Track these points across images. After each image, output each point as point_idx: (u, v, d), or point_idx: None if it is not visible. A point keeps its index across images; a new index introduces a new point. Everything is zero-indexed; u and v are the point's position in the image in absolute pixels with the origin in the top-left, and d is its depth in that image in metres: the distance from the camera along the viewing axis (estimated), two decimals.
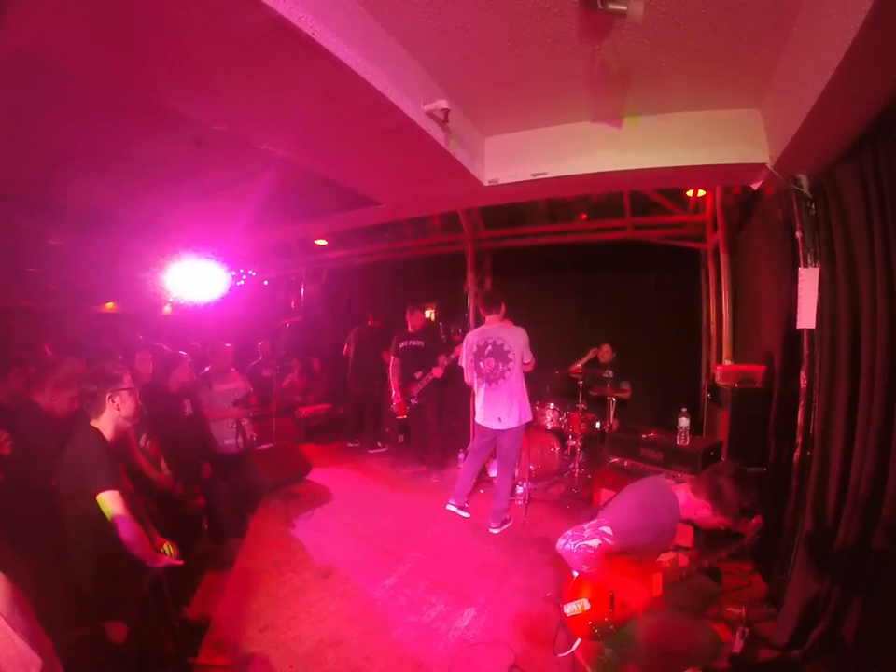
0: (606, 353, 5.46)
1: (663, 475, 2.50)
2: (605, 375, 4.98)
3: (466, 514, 4.50)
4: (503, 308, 4.39)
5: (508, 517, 4.35)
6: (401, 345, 5.79)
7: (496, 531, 4.23)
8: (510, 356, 4.22)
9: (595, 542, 2.06)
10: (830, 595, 2.26)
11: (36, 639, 1.09)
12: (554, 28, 2.41)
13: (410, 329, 5.84)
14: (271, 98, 2.63)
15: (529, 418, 4.32)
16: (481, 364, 4.33)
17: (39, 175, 3.74)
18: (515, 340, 4.24)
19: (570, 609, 2.16)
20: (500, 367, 4.24)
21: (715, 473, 2.23)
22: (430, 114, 2.90)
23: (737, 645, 2.45)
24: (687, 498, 2.27)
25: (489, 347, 4.30)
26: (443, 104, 2.82)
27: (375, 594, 3.29)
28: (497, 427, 4.26)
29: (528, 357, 4.24)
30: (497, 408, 4.24)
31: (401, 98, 2.66)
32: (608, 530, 2.09)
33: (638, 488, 2.36)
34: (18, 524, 2.09)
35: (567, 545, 2.10)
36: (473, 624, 2.95)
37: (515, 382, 4.22)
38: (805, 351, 2.82)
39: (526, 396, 4.30)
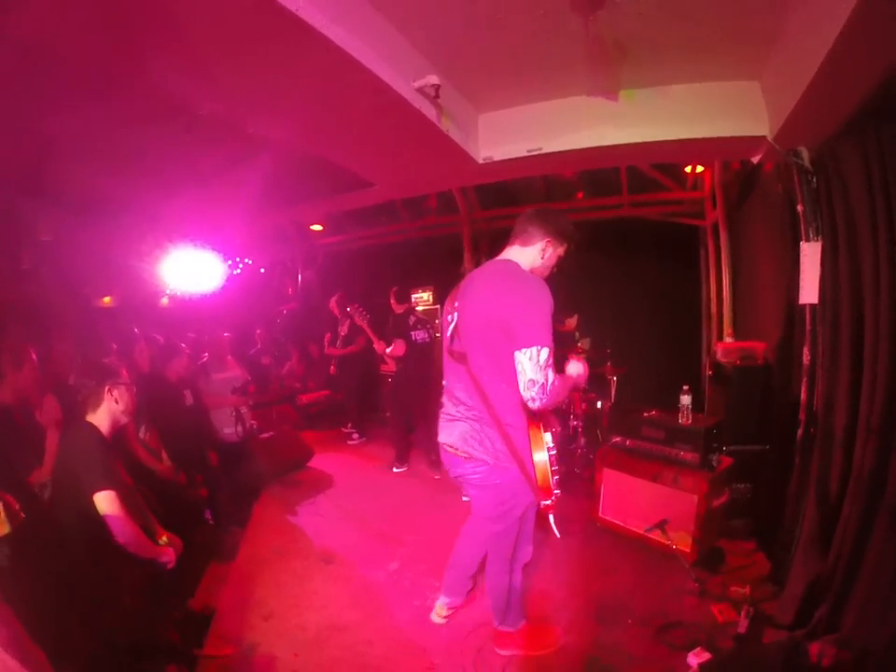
0: (570, 324, 5.48)
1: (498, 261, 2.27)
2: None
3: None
4: None
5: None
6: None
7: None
8: None
9: (550, 375, 1.92)
10: (833, 574, 2.24)
11: (25, 651, 1.07)
12: None
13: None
14: (259, 78, 2.55)
15: None
16: None
17: (30, 164, 3.68)
18: None
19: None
20: None
21: (523, 221, 2.26)
22: (421, 90, 2.81)
23: (742, 625, 2.45)
24: (531, 256, 2.22)
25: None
26: (434, 79, 2.74)
27: (377, 578, 3.29)
28: None
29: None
30: None
31: (390, 75, 2.58)
32: (545, 352, 1.92)
33: (500, 291, 2.09)
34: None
35: (542, 401, 1.92)
36: (476, 607, 2.94)
37: None
38: (808, 326, 2.78)
39: None
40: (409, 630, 2.77)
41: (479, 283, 2.25)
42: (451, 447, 2.24)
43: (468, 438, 2.17)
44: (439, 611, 2.78)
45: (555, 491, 2.13)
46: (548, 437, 2.14)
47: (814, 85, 2.15)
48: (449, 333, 2.27)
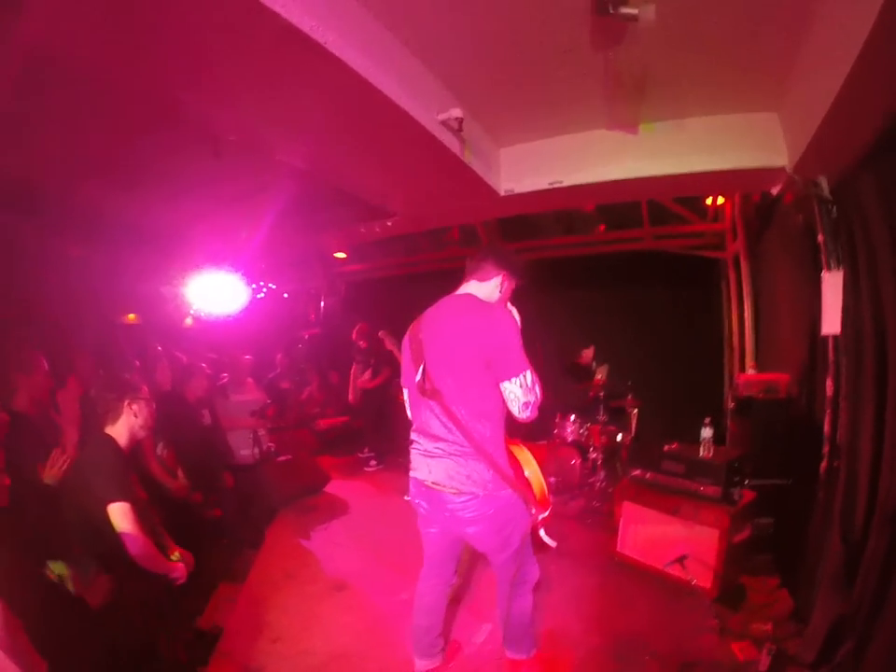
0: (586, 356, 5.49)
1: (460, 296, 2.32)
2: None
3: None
4: None
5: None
6: None
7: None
8: None
9: (538, 390, 2.09)
10: (858, 611, 2.14)
11: (29, 661, 1.08)
12: (567, 35, 2.41)
13: None
14: (284, 107, 2.64)
15: None
16: None
17: (58, 184, 3.84)
18: None
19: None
20: None
21: (476, 258, 2.33)
22: (444, 123, 2.90)
23: (764, 663, 2.35)
24: (488, 291, 2.29)
25: None
26: (457, 112, 2.82)
27: (388, 608, 3.22)
28: None
29: None
30: None
31: (415, 108, 2.66)
32: (530, 374, 2.07)
33: (474, 327, 2.13)
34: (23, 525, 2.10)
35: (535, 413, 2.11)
36: (490, 640, 2.87)
37: None
38: (831, 357, 2.73)
39: None
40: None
41: (446, 319, 2.25)
42: (436, 484, 2.18)
43: (453, 474, 2.12)
44: None
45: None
46: (527, 452, 2.31)
47: (832, 114, 2.16)
48: (420, 372, 2.21)
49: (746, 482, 3.32)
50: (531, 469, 2.27)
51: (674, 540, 3.18)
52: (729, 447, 4.15)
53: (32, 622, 1.27)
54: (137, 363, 3.92)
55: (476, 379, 2.09)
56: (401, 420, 6.22)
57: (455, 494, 2.13)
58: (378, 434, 6.70)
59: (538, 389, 2.10)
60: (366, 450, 6.65)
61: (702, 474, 3.21)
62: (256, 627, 2.98)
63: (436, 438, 2.19)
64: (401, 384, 2.49)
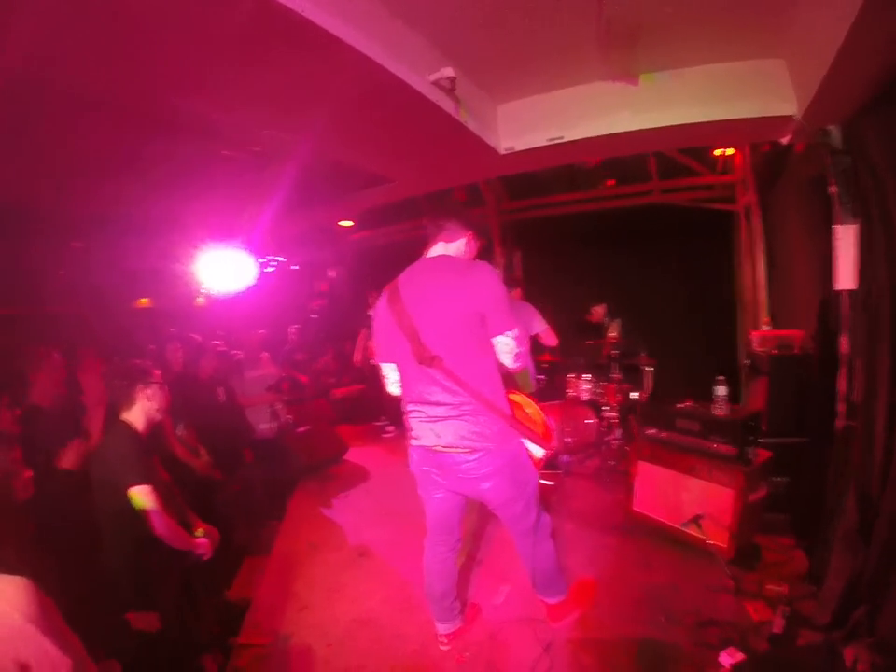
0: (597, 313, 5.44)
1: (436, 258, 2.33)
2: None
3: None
4: None
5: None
6: None
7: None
8: None
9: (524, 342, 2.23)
10: (873, 572, 2.14)
11: (66, 642, 1.13)
12: None
13: None
14: (273, 85, 2.58)
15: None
16: None
17: (57, 183, 3.84)
18: None
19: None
20: None
21: (439, 219, 2.33)
22: (436, 83, 2.81)
23: (778, 624, 2.37)
24: (457, 251, 2.31)
25: None
26: (448, 71, 2.73)
27: (411, 574, 3.27)
28: None
29: None
30: None
31: (404, 71, 2.58)
32: (516, 329, 2.16)
33: (464, 286, 2.14)
34: (48, 516, 2.17)
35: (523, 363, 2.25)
36: (510, 602, 2.93)
37: None
38: (846, 313, 2.66)
39: None
40: None
41: (429, 282, 2.21)
42: (447, 447, 2.20)
43: (464, 433, 2.15)
44: (442, 641, 2.62)
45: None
46: (523, 395, 2.44)
47: (841, 58, 2.04)
48: (414, 341, 2.17)
49: (761, 440, 3.30)
50: (532, 409, 2.39)
51: (689, 500, 3.18)
52: (744, 405, 4.11)
53: (64, 601, 1.31)
54: (152, 347, 3.96)
55: (474, 336, 2.13)
56: None
57: (467, 452, 2.16)
58: (391, 400, 6.75)
59: (526, 339, 2.31)
60: (382, 418, 6.74)
61: (716, 433, 3.18)
62: (283, 597, 3.09)
63: (438, 403, 2.20)
64: (380, 360, 2.44)
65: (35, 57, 2.04)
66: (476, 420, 2.14)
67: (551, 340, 4.08)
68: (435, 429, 2.22)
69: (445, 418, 2.19)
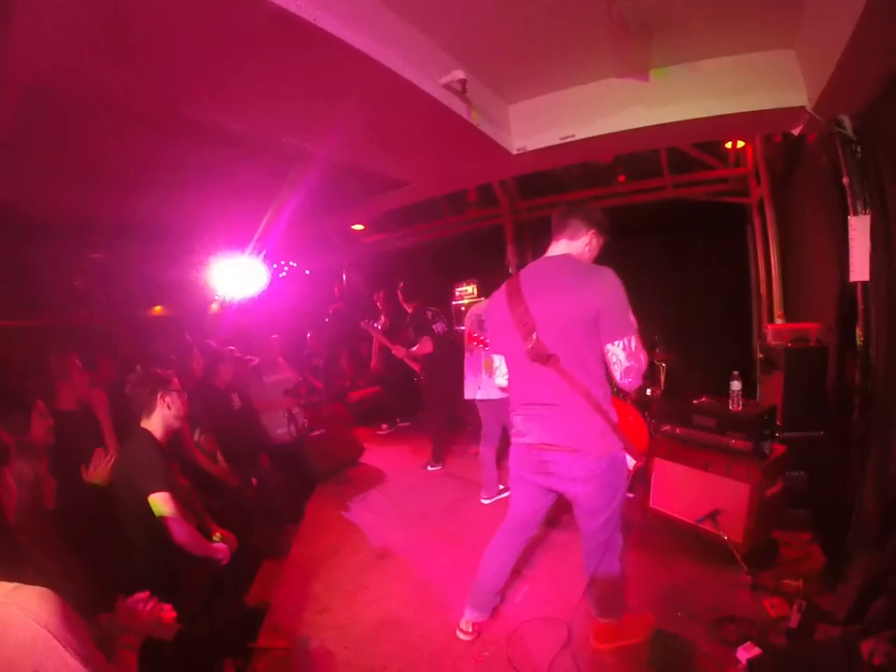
0: None
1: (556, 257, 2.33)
2: None
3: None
4: None
5: (500, 489, 4.28)
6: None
7: (486, 501, 4.29)
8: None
9: (642, 357, 2.09)
10: (891, 567, 2.11)
11: (88, 656, 1.12)
12: None
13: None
14: (287, 92, 2.63)
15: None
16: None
17: (76, 195, 3.90)
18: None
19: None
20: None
21: (563, 217, 2.30)
22: (448, 86, 2.83)
23: (794, 619, 2.35)
24: (579, 250, 2.29)
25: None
26: (459, 74, 2.75)
27: (431, 574, 3.32)
28: (474, 397, 4.24)
29: None
30: (474, 378, 4.26)
31: (415, 75, 2.60)
32: (635, 339, 2.08)
33: (580, 287, 2.14)
34: (73, 524, 2.20)
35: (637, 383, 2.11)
36: (528, 601, 2.93)
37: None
38: (861, 305, 2.62)
39: None
40: None
41: (550, 281, 2.22)
42: (550, 446, 2.22)
43: (571, 433, 2.16)
44: (464, 627, 2.66)
45: None
46: (629, 405, 2.50)
47: (851, 48, 2.02)
48: (531, 338, 2.18)
49: (777, 434, 3.27)
50: (634, 419, 2.39)
51: (706, 496, 3.15)
52: (759, 400, 4.06)
53: (84, 607, 1.33)
54: (173, 357, 4.02)
55: (589, 340, 2.11)
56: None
57: (571, 452, 2.16)
58: (406, 399, 6.97)
59: (642, 357, 2.09)
60: (397, 420, 6.81)
61: (732, 428, 3.16)
62: (301, 600, 3.11)
63: (547, 403, 2.22)
64: (493, 351, 2.52)
65: (55, 67, 2.09)
66: (583, 422, 2.14)
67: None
68: (540, 427, 2.25)
69: (552, 417, 2.21)
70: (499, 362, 2.48)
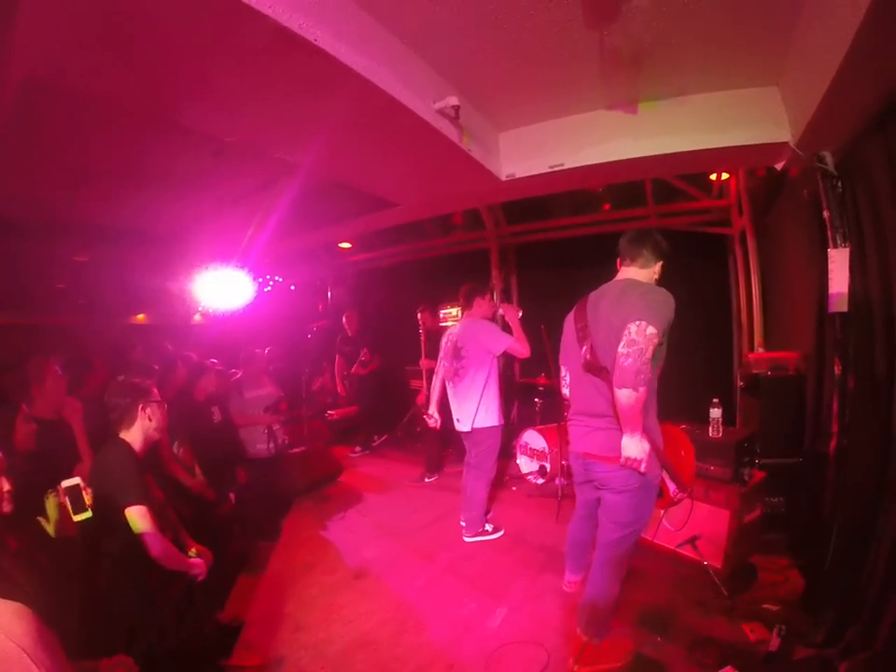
0: None
1: (623, 280, 2.45)
2: None
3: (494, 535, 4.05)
4: (473, 302, 4.09)
5: (485, 529, 4.03)
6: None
7: (469, 540, 3.98)
8: (462, 352, 3.93)
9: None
10: (867, 591, 2.15)
11: None
12: (561, 15, 2.37)
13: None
14: (279, 108, 2.66)
15: (494, 423, 3.91)
16: (444, 364, 4.09)
17: (62, 196, 3.87)
18: (472, 336, 3.92)
19: None
20: (455, 366, 3.97)
21: (636, 245, 2.42)
22: (441, 111, 2.89)
23: (774, 643, 2.36)
24: (648, 278, 2.41)
25: (448, 345, 4.07)
26: (453, 100, 2.81)
27: (407, 594, 3.28)
28: (459, 429, 4.02)
29: (498, 349, 3.82)
30: (457, 409, 3.99)
31: (411, 98, 2.67)
32: (652, 329, 2.10)
33: (627, 304, 2.22)
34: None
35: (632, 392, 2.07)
36: (505, 624, 2.92)
37: (470, 381, 3.86)
38: (839, 335, 2.70)
39: (492, 396, 3.90)
40: (438, 646, 2.76)
41: (610, 301, 2.34)
42: (594, 455, 2.38)
43: (615, 445, 2.22)
44: (568, 584, 3.07)
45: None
46: (683, 434, 2.54)
47: (834, 87, 2.12)
48: (587, 349, 2.34)
49: (756, 461, 3.33)
50: (686, 450, 2.46)
51: (685, 521, 3.18)
52: (740, 426, 4.13)
53: (57, 623, 1.29)
54: (152, 364, 3.95)
55: None
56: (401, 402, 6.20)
57: (611, 462, 2.27)
58: (380, 417, 7.04)
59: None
60: (374, 438, 6.79)
61: (712, 455, 3.22)
62: (276, 618, 3.05)
63: (598, 414, 2.34)
64: (560, 363, 2.71)
65: (51, 65, 2.08)
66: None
67: (521, 352, 3.84)
68: (588, 437, 2.42)
69: (599, 428, 2.34)
70: (564, 372, 2.67)
